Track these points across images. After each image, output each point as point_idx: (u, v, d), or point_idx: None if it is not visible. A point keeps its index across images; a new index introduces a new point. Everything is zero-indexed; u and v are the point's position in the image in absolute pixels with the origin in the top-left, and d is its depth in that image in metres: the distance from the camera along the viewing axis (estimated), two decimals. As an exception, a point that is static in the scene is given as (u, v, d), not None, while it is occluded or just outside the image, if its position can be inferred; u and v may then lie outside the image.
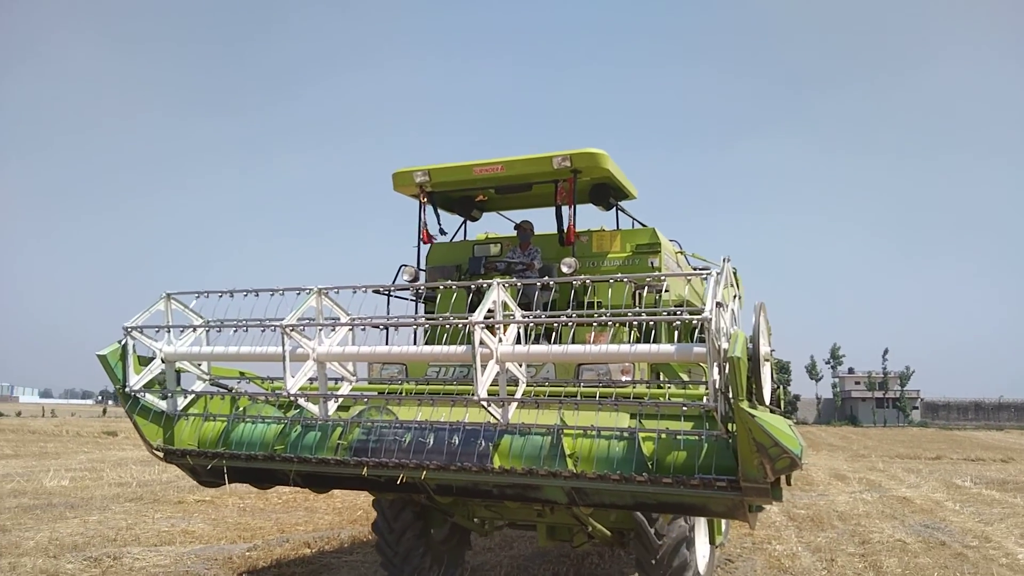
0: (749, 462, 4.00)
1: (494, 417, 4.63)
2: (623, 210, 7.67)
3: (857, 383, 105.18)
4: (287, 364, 4.97)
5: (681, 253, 7.89)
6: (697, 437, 4.44)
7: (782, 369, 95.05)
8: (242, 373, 6.30)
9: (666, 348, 4.36)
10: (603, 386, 5.30)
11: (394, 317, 5.52)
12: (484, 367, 4.48)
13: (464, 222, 8.13)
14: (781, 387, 7.58)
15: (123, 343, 5.50)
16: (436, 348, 5.00)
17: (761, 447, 3.88)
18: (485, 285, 4.77)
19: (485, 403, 4.49)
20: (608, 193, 7.31)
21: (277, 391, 5.69)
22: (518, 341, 4.77)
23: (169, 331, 5.59)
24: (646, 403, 4.65)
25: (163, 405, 5.72)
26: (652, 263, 6.94)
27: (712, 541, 7.01)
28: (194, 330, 5.63)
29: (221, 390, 5.95)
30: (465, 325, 4.49)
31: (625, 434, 4.65)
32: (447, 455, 4.88)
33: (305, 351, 5.04)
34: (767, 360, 4.34)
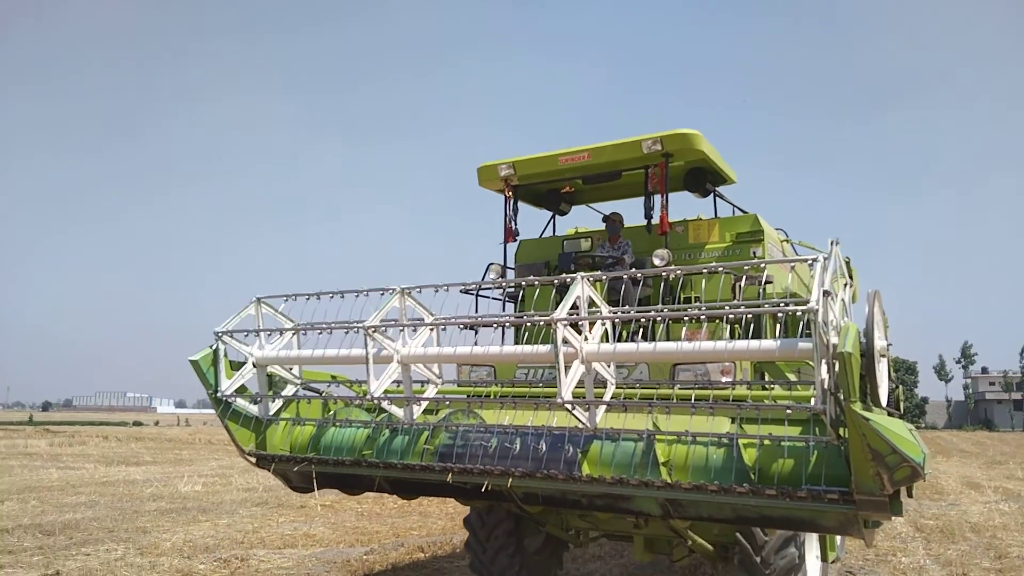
0: (864, 472, 3.58)
1: (580, 422, 4.38)
2: (722, 196, 7.18)
3: (992, 384, 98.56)
4: (371, 367, 4.89)
5: (787, 242, 7.30)
6: (804, 444, 4.04)
7: (908, 370, 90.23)
8: (333, 376, 6.24)
9: (767, 344, 3.97)
10: (700, 387, 4.95)
11: (473, 316, 5.33)
12: (569, 368, 4.25)
13: (553, 216, 7.85)
14: (900, 387, 6.81)
15: (215, 348, 5.52)
16: (519, 348, 4.79)
17: (877, 455, 3.46)
18: (569, 280, 4.53)
19: (570, 406, 4.24)
20: (704, 178, 6.87)
21: (365, 395, 5.50)
22: (606, 340, 4.49)
23: (259, 335, 5.59)
24: (745, 406, 4.26)
25: (255, 410, 5.71)
26: (754, 253, 6.44)
27: (824, 557, 6.45)
28: (281, 333, 5.60)
29: (312, 394, 5.92)
30: (549, 323, 4.25)
31: (724, 440, 4.28)
32: (533, 461, 4.63)
33: (389, 353, 4.94)
34: (883, 356, 3.91)
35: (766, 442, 4.17)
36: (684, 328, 5.70)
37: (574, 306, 4.37)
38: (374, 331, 4.90)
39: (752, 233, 6.53)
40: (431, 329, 5.10)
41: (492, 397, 5.63)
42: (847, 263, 8.93)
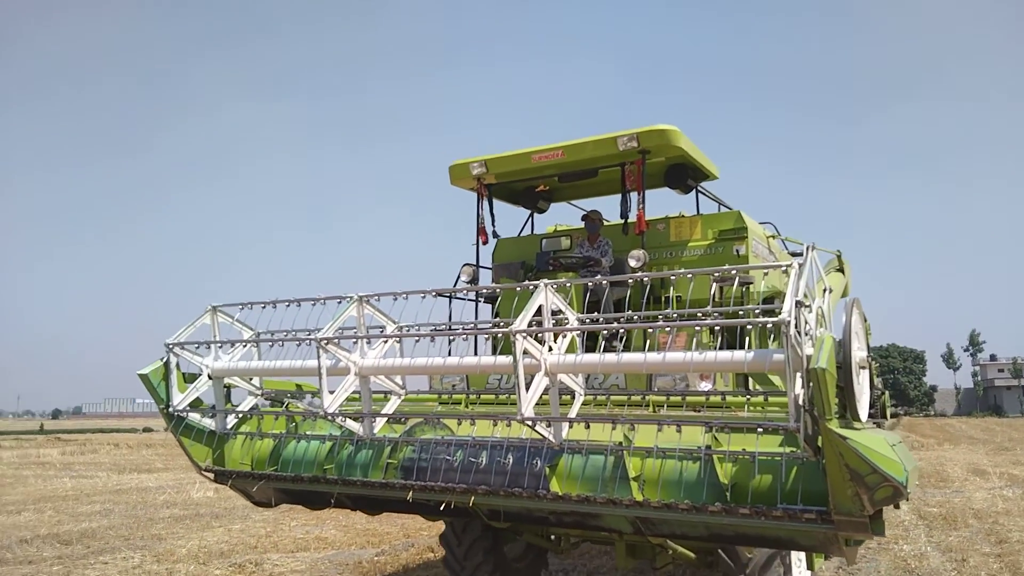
0: (842, 492, 3.36)
1: (545, 437, 4.14)
2: (704, 192, 6.91)
3: (1000, 371, 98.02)
4: (324, 380, 4.63)
5: (774, 238, 7.04)
6: (778, 460, 3.77)
7: (917, 359, 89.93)
8: (299, 386, 6.02)
9: (739, 356, 3.69)
10: (676, 395, 4.67)
11: (434, 325, 4.99)
12: (531, 380, 3.99)
13: (531, 215, 7.61)
14: (886, 393, 6.45)
15: (165, 360, 5.26)
16: (480, 360, 4.56)
17: (856, 475, 3.24)
18: (532, 287, 4.26)
19: (530, 423, 3.98)
20: (685, 174, 6.60)
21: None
22: (575, 349, 4.27)
23: (211, 346, 5.33)
24: (714, 423, 3.94)
25: (211, 423, 5.46)
26: (737, 251, 6.22)
27: (811, 567, 6.17)
28: (233, 345, 5.34)
29: (272, 408, 5.67)
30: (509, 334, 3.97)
31: (698, 455, 3.99)
32: (499, 476, 4.38)
33: (346, 365, 4.68)
34: (863, 367, 3.70)
35: (742, 457, 3.90)
36: (659, 333, 5.31)
37: (538, 314, 4.15)
38: (327, 343, 4.63)
39: (735, 230, 6.34)
40: (396, 339, 4.84)
41: (459, 407, 5.41)
42: (838, 256, 8.89)
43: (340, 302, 4.89)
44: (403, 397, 5.09)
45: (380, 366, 4.76)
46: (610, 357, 4.08)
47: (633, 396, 4.81)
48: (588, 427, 4.22)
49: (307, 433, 5.35)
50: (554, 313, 4.31)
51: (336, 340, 4.67)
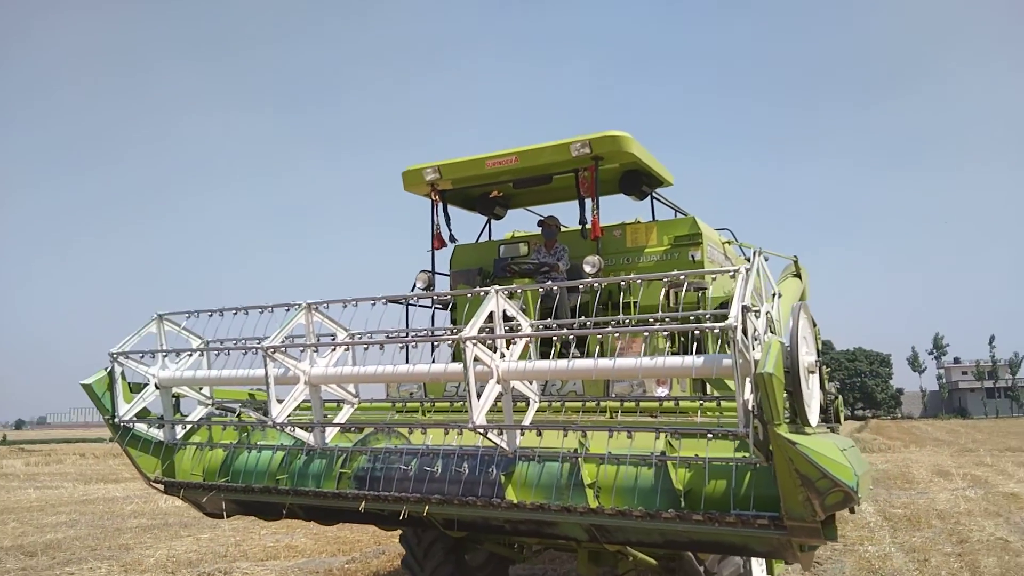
0: (793, 497, 3.35)
1: (498, 445, 4.08)
2: (659, 198, 6.94)
3: (964, 373, 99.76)
4: (271, 390, 4.54)
5: (730, 243, 7.15)
6: (733, 465, 3.77)
7: (882, 362, 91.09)
8: (251, 395, 5.92)
9: (688, 362, 3.67)
10: (632, 401, 4.64)
11: (385, 332, 4.91)
12: (484, 388, 3.95)
13: (488, 221, 7.58)
14: (840, 397, 6.54)
15: (110, 370, 5.15)
16: (434, 367, 4.47)
17: (806, 480, 3.22)
18: (483, 294, 4.22)
19: (482, 431, 3.93)
20: (640, 181, 6.59)
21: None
22: (538, 353, 4.22)
23: (155, 355, 5.22)
24: (664, 429, 3.92)
25: (159, 434, 5.35)
26: (693, 256, 6.23)
27: (771, 571, 6.14)
28: (178, 355, 5.26)
29: (222, 417, 5.55)
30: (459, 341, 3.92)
31: (652, 461, 3.96)
32: (453, 485, 4.32)
33: (296, 374, 4.59)
34: (812, 372, 3.67)
35: (695, 463, 3.87)
36: (615, 338, 5.25)
37: (490, 320, 4.11)
38: (274, 351, 4.53)
39: (690, 236, 6.35)
40: (345, 347, 4.75)
41: (415, 416, 5.36)
42: (795, 262, 9.02)
43: (288, 310, 4.82)
44: (356, 406, 5.01)
45: (329, 374, 4.68)
46: (561, 363, 4.05)
47: (588, 403, 4.77)
48: (540, 435, 4.17)
49: (259, 443, 5.25)
50: (507, 319, 4.26)
51: (283, 348, 4.59)
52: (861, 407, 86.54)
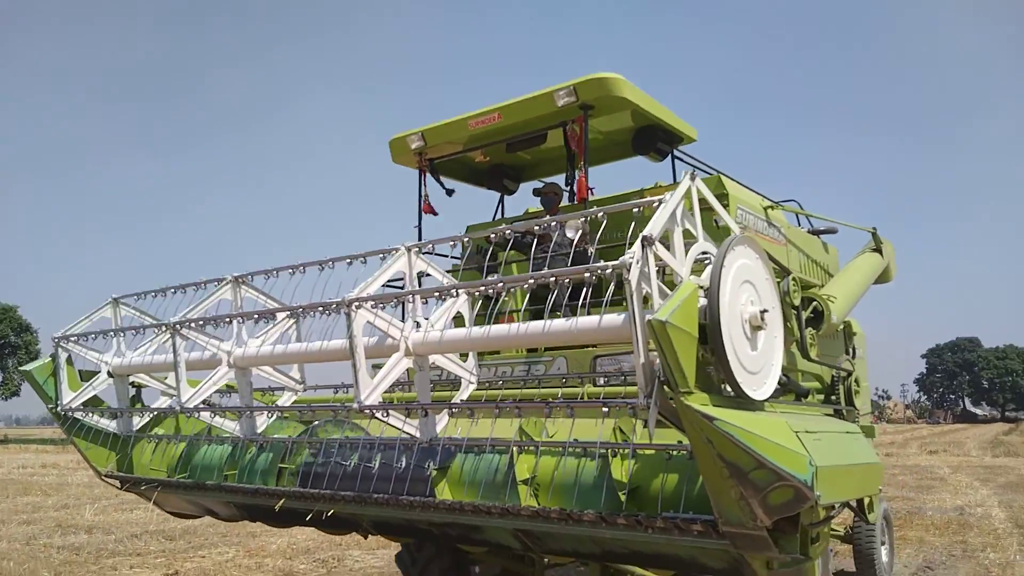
0: (723, 494, 2.55)
1: (410, 435, 3.45)
2: (681, 158, 5.93)
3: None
4: (181, 370, 4.13)
5: (774, 208, 6.01)
6: (665, 455, 3.07)
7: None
8: (229, 386, 5.53)
9: (587, 322, 2.94)
10: (576, 379, 4.03)
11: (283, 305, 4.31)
12: (386, 362, 3.38)
13: (501, 198, 6.94)
14: (852, 374, 4.94)
15: (54, 356, 4.88)
16: (311, 344, 3.94)
17: (736, 470, 2.42)
18: (393, 252, 3.68)
19: (368, 412, 3.31)
20: (655, 138, 5.72)
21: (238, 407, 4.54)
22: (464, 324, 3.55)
23: (112, 341, 4.92)
24: (557, 403, 3.07)
25: (112, 425, 4.98)
26: (716, 223, 5.37)
27: None
28: (114, 334, 4.93)
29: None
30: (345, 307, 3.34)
31: (596, 451, 3.29)
32: (378, 482, 3.80)
33: (220, 355, 4.16)
34: (758, 327, 2.81)
35: (624, 451, 3.19)
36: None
37: (392, 282, 3.60)
38: (181, 327, 4.11)
39: (715, 198, 5.40)
40: (275, 324, 4.19)
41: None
42: (874, 234, 7.04)
43: (218, 284, 4.41)
44: (299, 393, 4.52)
45: (250, 355, 4.17)
46: (477, 330, 3.38)
47: (529, 383, 4.15)
48: (472, 414, 3.45)
49: (216, 436, 4.81)
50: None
51: (191, 324, 4.15)
52: (1013, 408, 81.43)
